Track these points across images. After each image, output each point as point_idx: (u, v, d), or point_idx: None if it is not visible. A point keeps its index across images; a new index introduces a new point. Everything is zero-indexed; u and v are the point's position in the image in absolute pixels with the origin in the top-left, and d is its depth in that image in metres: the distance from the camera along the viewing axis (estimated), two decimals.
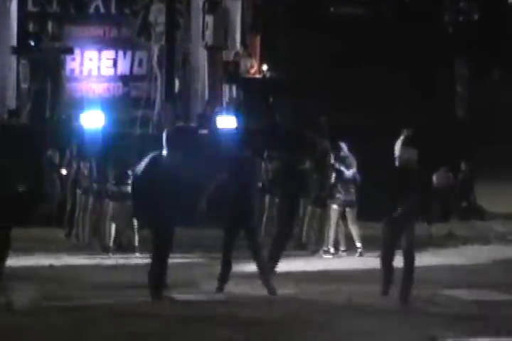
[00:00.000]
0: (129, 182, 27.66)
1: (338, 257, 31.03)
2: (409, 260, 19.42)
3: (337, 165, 31.87)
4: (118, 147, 34.33)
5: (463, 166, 45.92)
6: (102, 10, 45.81)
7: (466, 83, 45.58)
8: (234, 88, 42.27)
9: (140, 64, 43.26)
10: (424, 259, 26.73)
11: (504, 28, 35.97)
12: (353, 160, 31.65)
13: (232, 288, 22.27)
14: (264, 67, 41.85)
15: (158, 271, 18.70)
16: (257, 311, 18.71)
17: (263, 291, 21.78)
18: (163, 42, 41.80)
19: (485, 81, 44.64)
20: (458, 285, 22.86)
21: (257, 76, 42.43)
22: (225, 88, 42.23)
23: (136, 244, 31.15)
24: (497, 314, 19.31)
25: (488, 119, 39.08)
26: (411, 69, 43.02)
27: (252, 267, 23.59)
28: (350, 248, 31.58)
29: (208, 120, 39.37)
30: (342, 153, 31.67)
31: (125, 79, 43.17)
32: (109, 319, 18.28)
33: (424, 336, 16.78)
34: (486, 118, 39.04)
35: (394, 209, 18.46)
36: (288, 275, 25.58)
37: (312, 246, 32.09)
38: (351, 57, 42.30)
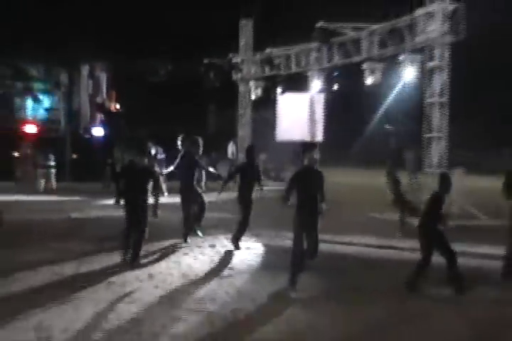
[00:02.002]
0: None
1: None
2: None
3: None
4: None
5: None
6: None
7: (213, 115, 46.75)
8: (102, 116, 41.96)
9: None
10: None
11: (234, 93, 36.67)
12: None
13: None
14: (118, 106, 42.38)
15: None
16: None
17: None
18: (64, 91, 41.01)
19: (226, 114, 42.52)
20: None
21: (114, 110, 42.89)
22: (99, 115, 42.05)
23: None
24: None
25: (229, 134, 38.07)
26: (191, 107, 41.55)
27: None
28: None
29: (89, 131, 40.30)
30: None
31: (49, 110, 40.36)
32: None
33: None
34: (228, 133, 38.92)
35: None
36: None
37: None
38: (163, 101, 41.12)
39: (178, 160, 17.77)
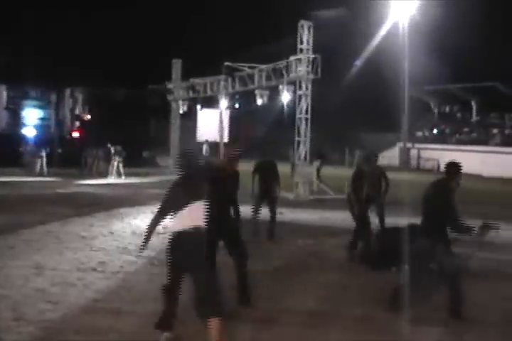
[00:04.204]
0: None
1: None
2: None
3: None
4: None
5: (146, 154, 38.86)
6: None
7: (154, 123, 43.53)
8: (78, 123, 39.75)
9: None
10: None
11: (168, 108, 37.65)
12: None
13: None
14: (89, 117, 40.09)
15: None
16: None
17: None
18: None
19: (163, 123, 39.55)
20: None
21: (86, 120, 40.00)
22: (76, 123, 39.94)
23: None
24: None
25: (165, 136, 36.91)
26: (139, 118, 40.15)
27: None
28: None
29: (69, 133, 39.07)
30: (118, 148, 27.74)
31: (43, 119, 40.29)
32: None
33: None
34: (164, 136, 37.54)
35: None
36: None
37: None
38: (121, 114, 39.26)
39: None
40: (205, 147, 36.24)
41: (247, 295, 7.56)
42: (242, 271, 7.53)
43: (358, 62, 44.57)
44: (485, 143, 43.33)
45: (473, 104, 50.90)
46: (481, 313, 7.41)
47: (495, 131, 46.65)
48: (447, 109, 54.36)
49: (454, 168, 7.29)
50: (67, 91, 40.54)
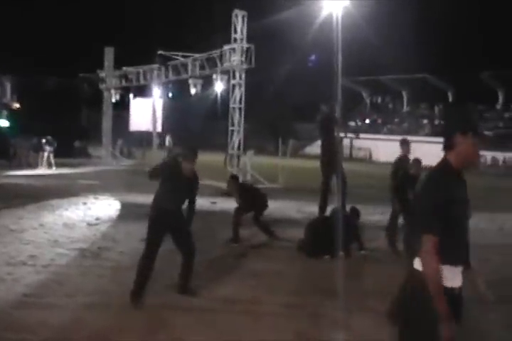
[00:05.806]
0: None
1: None
2: None
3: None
4: None
5: (77, 144, 36.80)
6: None
7: (85, 113, 41.50)
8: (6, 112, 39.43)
9: None
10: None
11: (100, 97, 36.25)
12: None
13: None
14: (18, 105, 39.03)
15: None
16: None
17: None
18: None
19: (94, 112, 38.99)
20: None
21: (15, 108, 38.93)
22: (3, 112, 38.31)
23: None
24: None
25: (96, 126, 36.53)
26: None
27: None
28: None
29: None
30: None
31: None
32: None
33: None
34: (95, 126, 37.26)
35: None
36: None
37: None
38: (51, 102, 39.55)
39: None
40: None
41: (189, 285, 7.69)
42: (189, 265, 7.64)
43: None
44: (415, 133, 44.05)
45: (404, 95, 52.29)
46: None
47: (425, 121, 48.27)
48: (379, 99, 55.58)
49: None
50: None
